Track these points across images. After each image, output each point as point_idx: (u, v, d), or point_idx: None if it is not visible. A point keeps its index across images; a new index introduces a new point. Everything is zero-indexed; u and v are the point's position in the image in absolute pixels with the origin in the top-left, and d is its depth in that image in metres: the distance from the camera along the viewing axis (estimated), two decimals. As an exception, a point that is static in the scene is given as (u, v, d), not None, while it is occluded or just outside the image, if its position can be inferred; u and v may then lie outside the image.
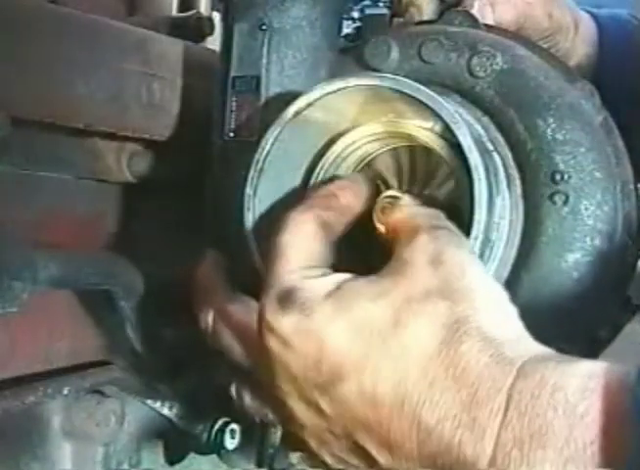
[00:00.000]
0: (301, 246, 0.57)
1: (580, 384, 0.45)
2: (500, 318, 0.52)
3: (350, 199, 0.62)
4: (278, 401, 0.56)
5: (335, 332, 0.52)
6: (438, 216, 0.58)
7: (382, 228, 0.61)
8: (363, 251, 0.63)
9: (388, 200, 0.62)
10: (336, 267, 0.57)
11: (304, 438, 0.56)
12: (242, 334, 0.61)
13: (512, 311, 0.53)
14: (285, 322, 0.53)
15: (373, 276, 0.54)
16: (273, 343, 0.54)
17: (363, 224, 0.62)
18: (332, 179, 0.66)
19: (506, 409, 0.46)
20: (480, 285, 0.53)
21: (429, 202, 0.65)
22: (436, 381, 0.48)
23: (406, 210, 0.59)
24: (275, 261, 0.56)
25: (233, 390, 0.65)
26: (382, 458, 0.51)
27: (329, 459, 0.56)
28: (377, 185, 0.69)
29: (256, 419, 0.66)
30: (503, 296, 0.54)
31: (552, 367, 0.47)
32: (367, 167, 0.70)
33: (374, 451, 0.51)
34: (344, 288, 0.53)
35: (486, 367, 0.48)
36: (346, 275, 0.55)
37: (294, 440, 0.58)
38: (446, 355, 0.49)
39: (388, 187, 0.68)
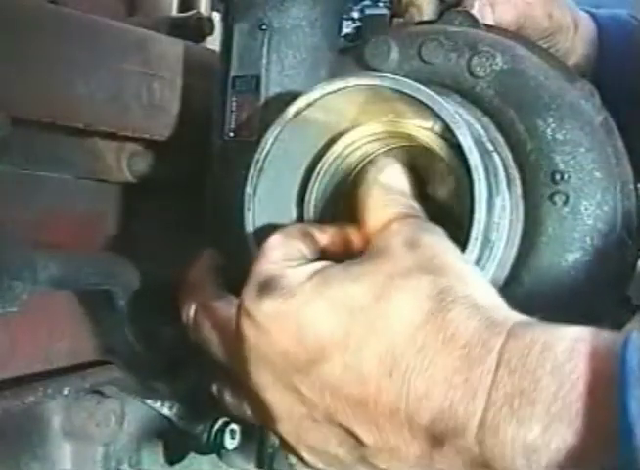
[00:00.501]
0: (283, 244, 0.57)
1: (569, 345, 0.46)
2: (484, 289, 0.52)
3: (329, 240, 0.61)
4: (255, 394, 0.56)
5: (314, 313, 0.51)
6: (412, 206, 0.59)
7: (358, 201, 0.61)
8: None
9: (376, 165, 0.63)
10: None
11: (282, 434, 0.56)
12: (221, 328, 0.61)
13: (493, 289, 0.53)
14: (263, 307, 0.53)
15: (352, 261, 0.54)
16: (250, 330, 0.54)
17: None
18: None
19: (497, 368, 0.46)
20: (460, 263, 0.53)
21: (428, 202, 0.65)
22: (425, 346, 0.48)
23: (383, 196, 0.59)
24: (258, 259, 0.57)
25: (214, 388, 0.65)
26: (368, 437, 0.51)
27: (307, 455, 0.56)
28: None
29: (235, 415, 0.66)
30: (483, 277, 0.54)
31: (541, 329, 0.48)
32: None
33: (359, 431, 0.51)
34: (324, 272, 0.53)
35: (476, 331, 0.48)
36: (326, 263, 0.55)
37: (275, 433, 0.57)
38: (434, 323, 0.49)
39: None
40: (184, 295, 0.66)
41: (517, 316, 0.50)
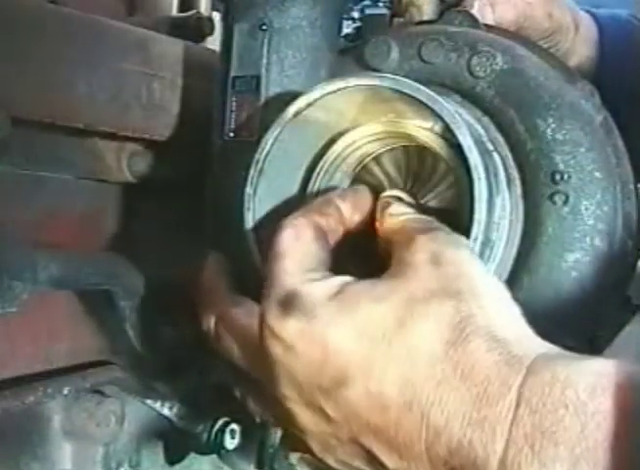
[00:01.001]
0: (299, 249, 0.56)
1: (591, 382, 0.45)
2: (505, 317, 0.51)
3: (349, 207, 0.62)
4: (281, 407, 0.56)
5: (339, 335, 0.51)
6: (431, 220, 0.59)
7: (380, 233, 0.61)
8: (367, 260, 0.63)
9: (388, 199, 0.62)
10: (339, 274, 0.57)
11: (308, 442, 0.56)
12: (243, 339, 0.61)
13: (515, 309, 0.53)
14: (288, 327, 0.53)
15: (375, 279, 0.54)
16: (276, 348, 0.53)
17: (366, 234, 0.62)
18: (333, 188, 0.66)
19: (517, 407, 0.46)
20: (483, 284, 0.52)
21: (428, 202, 0.65)
22: (445, 381, 0.48)
23: (400, 217, 0.59)
24: (273, 266, 0.56)
25: (237, 393, 0.65)
26: (390, 462, 0.51)
27: (333, 463, 0.56)
28: (378, 185, 0.69)
29: (260, 420, 0.66)
30: (506, 294, 0.53)
31: (562, 365, 0.46)
32: (367, 169, 0.70)
33: (381, 455, 0.51)
34: (347, 290, 0.53)
35: (495, 365, 0.47)
36: (348, 278, 0.55)
37: (297, 443, 0.57)
38: (454, 355, 0.48)
39: (389, 187, 0.68)
40: (201, 304, 0.66)
41: (538, 347, 0.49)
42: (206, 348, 0.65)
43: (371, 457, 0.52)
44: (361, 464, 0.54)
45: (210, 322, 0.64)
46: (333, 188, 0.67)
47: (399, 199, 0.64)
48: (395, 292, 0.52)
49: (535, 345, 0.50)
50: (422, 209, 0.65)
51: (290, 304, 0.53)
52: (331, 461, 0.56)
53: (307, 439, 0.56)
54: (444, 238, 0.55)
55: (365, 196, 0.64)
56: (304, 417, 0.54)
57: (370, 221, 0.63)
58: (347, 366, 0.51)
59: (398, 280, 0.52)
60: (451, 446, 0.47)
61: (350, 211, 0.62)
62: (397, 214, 0.60)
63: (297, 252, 0.56)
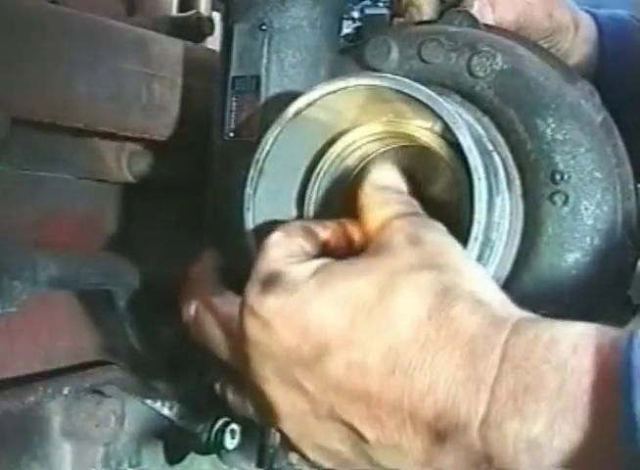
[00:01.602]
0: (284, 241, 0.57)
1: (573, 341, 0.46)
2: (487, 286, 0.52)
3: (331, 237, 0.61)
4: (258, 391, 0.56)
5: (319, 308, 0.51)
6: (410, 202, 0.58)
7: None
8: None
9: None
10: None
11: (285, 432, 0.56)
12: (223, 325, 0.61)
13: (496, 286, 0.53)
14: (267, 303, 0.53)
15: (354, 258, 0.54)
16: (254, 326, 0.53)
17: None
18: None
19: (500, 364, 0.46)
20: (462, 261, 0.53)
21: (428, 202, 0.65)
22: (428, 343, 0.48)
23: (378, 196, 0.59)
24: (259, 256, 0.56)
25: (217, 386, 0.65)
26: (371, 433, 0.50)
27: (310, 452, 0.55)
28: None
29: (239, 412, 0.66)
30: (486, 274, 0.54)
31: (545, 325, 0.47)
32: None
33: (362, 427, 0.51)
34: (328, 267, 0.53)
35: (479, 326, 0.48)
36: (329, 259, 0.55)
37: (279, 433, 0.57)
38: (437, 319, 0.49)
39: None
40: (185, 293, 0.66)
41: (521, 312, 0.50)
42: (188, 339, 0.65)
43: (351, 432, 0.51)
44: (339, 444, 0.53)
45: (191, 310, 0.64)
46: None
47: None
48: (376, 267, 0.52)
49: (518, 310, 0.50)
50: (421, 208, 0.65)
51: (271, 282, 0.53)
52: (309, 450, 0.55)
53: (283, 426, 0.55)
54: (421, 222, 0.56)
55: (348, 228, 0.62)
56: (281, 398, 0.54)
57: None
58: (328, 338, 0.51)
59: (378, 257, 0.53)
60: (435, 408, 0.47)
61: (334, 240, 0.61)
62: (374, 196, 0.59)
63: (285, 244, 0.57)
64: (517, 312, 0.50)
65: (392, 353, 0.49)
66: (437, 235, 0.55)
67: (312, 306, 0.51)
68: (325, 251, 0.60)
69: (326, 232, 0.61)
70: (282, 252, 0.56)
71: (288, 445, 0.57)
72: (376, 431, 0.50)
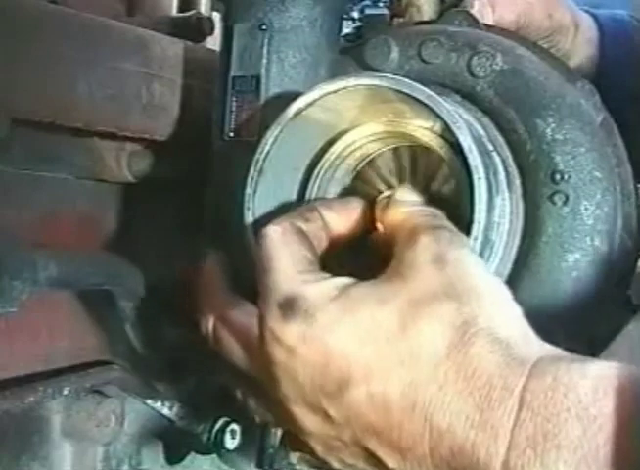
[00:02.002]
0: (285, 252, 0.56)
1: (592, 385, 0.45)
2: (507, 318, 0.51)
3: (334, 216, 0.62)
4: (283, 408, 0.56)
5: (341, 338, 0.51)
6: (437, 215, 0.58)
7: (381, 228, 0.61)
8: (357, 269, 0.62)
9: (387, 200, 0.62)
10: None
11: (311, 444, 0.56)
12: (243, 341, 0.61)
13: (517, 309, 0.53)
14: (289, 330, 0.53)
15: (376, 280, 0.53)
16: (278, 351, 0.53)
17: (356, 244, 0.62)
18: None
19: (519, 410, 0.46)
20: (485, 285, 0.52)
21: (429, 202, 0.65)
22: (447, 383, 0.48)
23: (404, 208, 0.59)
24: (266, 271, 0.56)
25: (238, 394, 0.65)
26: (393, 464, 0.51)
27: (336, 464, 0.56)
28: (378, 185, 0.69)
29: (260, 421, 0.66)
30: (508, 295, 0.53)
31: (564, 368, 0.47)
32: (367, 170, 0.70)
33: (385, 457, 0.51)
34: (348, 293, 0.53)
35: (498, 368, 0.47)
36: (348, 279, 0.54)
37: (299, 443, 0.58)
38: (456, 357, 0.49)
39: (389, 187, 0.68)
40: (200, 306, 0.66)
41: (539, 349, 0.49)
42: (207, 349, 0.65)
43: (374, 459, 0.52)
44: (364, 464, 0.54)
45: (209, 324, 0.64)
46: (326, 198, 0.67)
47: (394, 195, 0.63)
48: (397, 294, 0.51)
49: (537, 346, 0.50)
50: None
51: (290, 307, 0.53)
52: (334, 462, 0.56)
53: (310, 440, 0.56)
54: (448, 239, 0.54)
55: (353, 206, 0.64)
56: (307, 419, 0.54)
57: (360, 232, 0.62)
58: (350, 369, 0.51)
59: (400, 282, 0.52)
60: (454, 448, 0.47)
61: (335, 219, 0.62)
62: (402, 206, 0.59)
63: (287, 253, 0.56)
64: (536, 350, 0.49)
65: (413, 390, 0.49)
66: (461, 254, 0.54)
67: (334, 336, 0.51)
68: (332, 234, 0.61)
69: (332, 214, 0.61)
70: (288, 262, 0.55)
71: (314, 456, 0.57)
72: (397, 461, 0.51)
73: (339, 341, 0.51)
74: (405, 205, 0.60)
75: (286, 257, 0.56)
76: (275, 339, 0.53)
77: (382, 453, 0.51)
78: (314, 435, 0.55)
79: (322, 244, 0.61)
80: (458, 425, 0.47)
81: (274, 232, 0.57)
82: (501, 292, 0.53)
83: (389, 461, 0.51)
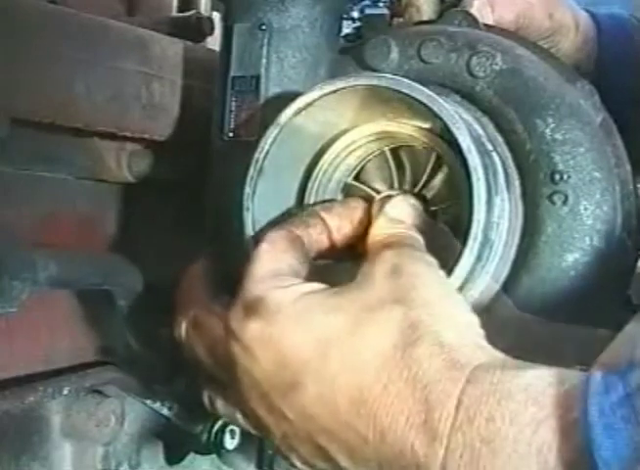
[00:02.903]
0: (270, 258, 0.58)
1: (527, 392, 0.46)
2: (455, 325, 0.52)
3: (335, 219, 0.63)
4: (246, 408, 0.58)
5: (295, 340, 0.53)
6: (414, 240, 0.59)
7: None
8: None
9: (381, 202, 0.62)
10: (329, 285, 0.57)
11: (275, 442, 0.58)
12: (210, 342, 0.61)
13: (472, 320, 0.54)
14: (247, 330, 0.54)
15: (337, 288, 0.55)
16: (237, 350, 0.55)
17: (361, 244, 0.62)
18: (324, 202, 0.67)
19: (456, 414, 0.47)
20: (437, 293, 0.54)
21: (427, 202, 0.65)
22: (390, 384, 0.49)
23: (385, 230, 0.60)
24: (244, 274, 0.58)
25: (205, 397, 0.66)
26: (344, 462, 0.52)
27: (299, 464, 0.57)
28: (377, 186, 0.69)
29: (227, 422, 0.67)
30: (463, 306, 0.55)
31: (501, 373, 0.47)
32: (366, 170, 0.70)
33: (337, 455, 0.53)
34: (308, 298, 0.54)
35: (438, 372, 0.48)
36: (313, 285, 0.56)
37: (270, 443, 0.59)
38: (400, 359, 0.50)
39: (389, 187, 0.68)
40: (175, 310, 0.67)
41: (482, 355, 0.50)
42: (178, 352, 0.66)
43: (329, 457, 0.53)
44: (321, 464, 0.55)
45: (182, 327, 0.65)
46: (328, 200, 0.67)
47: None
48: (351, 301, 0.53)
49: (480, 353, 0.50)
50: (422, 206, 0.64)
51: (253, 308, 0.55)
52: (298, 462, 0.57)
53: (274, 439, 0.57)
54: (409, 253, 0.56)
55: (354, 206, 0.64)
56: (266, 418, 0.56)
57: (362, 232, 0.63)
58: (301, 371, 0.52)
59: (356, 291, 0.54)
60: (395, 449, 0.48)
61: (337, 221, 0.63)
62: (385, 227, 0.60)
63: (269, 260, 0.58)
64: (477, 356, 0.50)
65: (358, 391, 0.50)
66: (420, 267, 0.55)
67: (288, 337, 0.53)
68: (332, 236, 0.62)
69: (332, 216, 0.62)
70: (268, 272, 0.57)
71: (278, 453, 0.59)
72: (348, 460, 0.52)
73: (292, 343, 0.53)
74: (388, 225, 0.60)
75: (266, 263, 0.58)
76: (234, 337, 0.55)
77: (333, 452, 0.53)
78: (275, 433, 0.56)
79: (324, 247, 0.62)
80: (399, 426, 0.48)
81: (266, 240, 0.59)
82: (455, 303, 0.54)
83: (341, 460, 0.52)
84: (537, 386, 0.46)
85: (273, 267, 0.57)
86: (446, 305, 0.53)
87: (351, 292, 0.54)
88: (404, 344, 0.50)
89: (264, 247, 0.58)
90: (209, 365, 0.62)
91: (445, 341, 0.50)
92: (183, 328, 0.65)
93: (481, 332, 0.53)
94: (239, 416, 0.62)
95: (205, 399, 0.66)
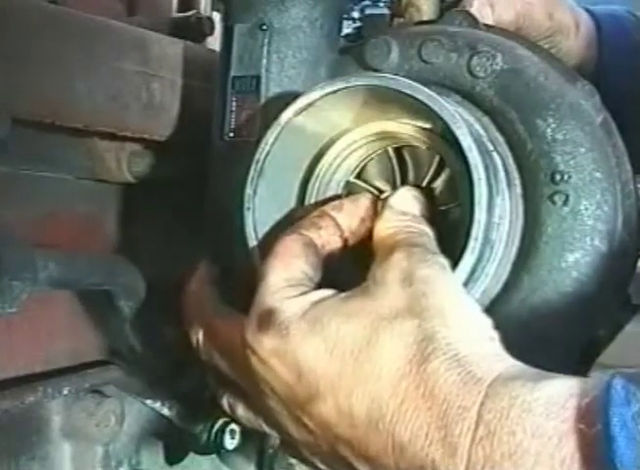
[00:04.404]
0: (283, 266, 0.58)
1: (548, 404, 0.46)
2: (472, 334, 0.52)
3: (345, 217, 0.63)
4: (269, 416, 0.59)
5: (309, 352, 0.53)
6: (423, 233, 0.59)
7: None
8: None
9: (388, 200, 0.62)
10: (342, 285, 0.57)
11: (298, 447, 0.58)
12: (229, 352, 0.62)
13: (486, 327, 0.53)
14: (263, 344, 0.55)
15: (348, 293, 0.55)
16: (255, 363, 0.56)
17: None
18: (331, 199, 0.67)
19: (476, 428, 0.47)
20: (451, 302, 0.53)
21: (429, 202, 0.65)
22: (407, 398, 0.49)
23: (391, 223, 0.60)
24: (259, 283, 0.58)
25: (225, 402, 0.66)
26: (364, 469, 0.52)
27: (322, 466, 0.58)
28: (378, 186, 0.69)
29: (249, 427, 0.67)
30: (477, 311, 0.54)
31: (520, 386, 0.47)
32: (367, 170, 0.70)
33: (357, 464, 0.53)
34: (318, 307, 0.54)
35: (455, 386, 0.48)
36: (323, 293, 0.56)
37: (289, 446, 0.60)
38: (416, 374, 0.50)
39: (389, 187, 0.68)
40: (188, 316, 0.67)
41: (499, 367, 0.50)
42: (197, 359, 0.66)
43: (350, 465, 0.54)
44: (345, 468, 0.55)
45: (199, 335, 0.65)
46: (333, 198, 0.67)
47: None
48: (364, 310, 0.53)
49: (499, 363, 0.50)
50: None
51: (267, 320, 0.55)
52: (320, 465, 0.58)
53: (297, 445, 0.58)
54: (420, 256, 0.56)
55: (363, 203, 0.64)
56: (289, 426, 0.57)
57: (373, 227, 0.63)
58: (318, 383, 0.53)
59: (368, 299, 0.54)
60: (416, 463, 0.48)
61: (347, 220, 0.63)
62: (390, 220, 0.60)
63: (280, 268, 0.58)
64: (494, 368, 0.49)
65: (376, 406, 0.50)
66: (431, 271, 0.55)
67: (303, 350, 0.53)
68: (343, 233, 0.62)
69: (342, 214, 0.62)
70: (281, 278, 0.57)
71: (301, 460, 0.60)
72: (369, 468, 0.52)
73: (307, 355, 0.53)
74: (394, 218, 0.60)
75: (279, 270, 0.58)
76: (251, 349, 0.56)
77: (354, 461, 0.53)
78: (298, 440, 0.57)
79: (337, 247, 0.62)
80: (418, 441, 0.48)
81: (279, 245, 0.59)
82: (469, 311, 0.54)
83: (361, 468, 0.53)
84: (558, 398, 0.46)
85: (286, 276, 0.57)
86: (459, 313, 0.53)
87: (363, 300, 0.54)
88: (419, 358, 0.50)
89: (277, 252, 0.58)
90: (229, 373, 0.62)
91: (460, 353, 0.50)
92: (200, 335, 0.65)
93: (495, 335, 0.53)
94: (262, 423, 0.62)
95: (225, 405, 0.66)
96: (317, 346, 0.53)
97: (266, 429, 0.63)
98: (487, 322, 0.54)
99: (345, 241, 0.62)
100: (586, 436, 0.44)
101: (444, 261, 0.56)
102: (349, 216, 0.63)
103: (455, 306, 0.53)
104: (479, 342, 0.52)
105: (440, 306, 0.52)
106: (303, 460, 0.60)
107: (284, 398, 0.55)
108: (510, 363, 0.50)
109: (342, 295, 0.55)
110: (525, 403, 0.46)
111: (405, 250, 0.56)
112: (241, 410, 0.64)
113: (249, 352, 0.56)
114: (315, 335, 0.53)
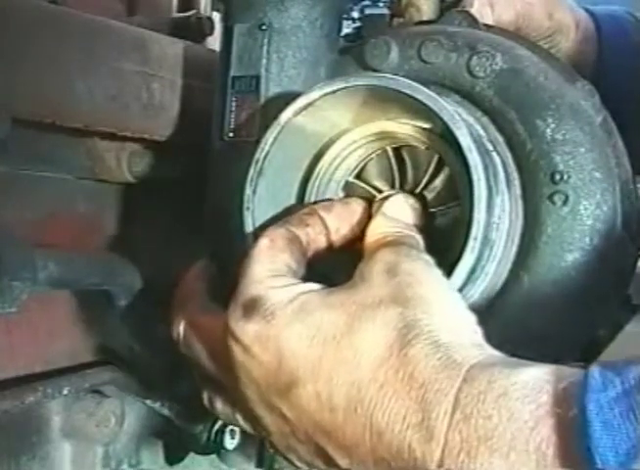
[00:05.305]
0: (268, 258, 0.58)
1: (525, 389, 0.46)
2: (454, 323, 0.52)
3: (334, 219, 0.63)
4: (245, 408, 0.58)
5: (292, 339, 0.53)
6: (412, 239, 0.59)
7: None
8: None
9: (380, 203, 0.63)
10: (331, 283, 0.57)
11: (274, 442, 0.58)
12: (210, 343, 0.62)
13: (469, 318, 0.54)
14: (247, 330, 0.55)
15: (334, 288, 0.55)
16: (236, 350, 0.55)
17: (359, 244, 0.62)
18: (331, 199, 0.67)
19: (453, 413, 0.47)
20: (434, 293, 0.54)
21: (427, 202, 0.65)
22: (386, 384, 0.49)
23: (382, 229, 0.60)
24: (243, 273, 0.58)
25: (205, 397, 0.66)
26: (342, 462, 0.53)
27: (298, 463, 0.58)
28: (377, 186, 0.69)
29: (226, 422, 0.67)
30: (460, 304, 0.55)
31: (498, 372, 0.47)
32: (367, 170, 0.70)
33: (334, 454, 0.53)
34: (305, 297, 0.55)
35: (434, 370, 0.49)
36: (311, 285, 0.56)
37: (273, 445, 0.59)
38: (396, 359, 0.50)
39: (388, 187, 0.68)
40: (173, 310, 0.67)
41: (478, 354, 0.50)
42: (177, 353, 0.66)
43: (327, 457, 0.54)
44: (320, 463, 0.55)
45: (180, 328, 0.65)
46: (328, 199, 0.68)
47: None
48: (348, 300, 0.53)
49: (477, 352, 0.50)
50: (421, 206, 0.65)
51: (252, 308, 0.55)
52: (296, 461, 0.58)
53: (272, 439, 0.58)
54: (405, 251, 0.56)
55: (353, 207, 0.65)
56: (265, 417, 0.56)
57: (361, 233, 0.63)
58: (299, 369, 0.53)
59: (352, 289, 0.54)
60: (392, 448, 0.49)
61: (336, 222, 0.63)
62: (382, 226, 0.60)
63: (267, 259, 0.58)
64: (474, 355, 0.50)
65: (355, 390, 0.50)
66: (417, 265, 0.55)
67: (286, 336, 0.53)
68: (332, 236, 0.62)
69: (331, 216, 0.62)
70: (265, 269, 0.57)
71: (277, 453, 0.59)
72: (344, 459, 0.52)
73: (290, 341, 0.53)
74: (385, 224, 0.61)
75: (263, 262, 0.58)
76: (234, 337, 0.55)
77: (331, 451, 0.53)
78: (274, 433, 0.57)
79: (321, 247, 0.62)
80: (396, 425, 0.48)
81: (263, 239, 0.59)
82: (454, 303, 0.54)
83: (338, 459, 0.53)
84: (535, 383, 0.46)
85: (271, 267, 0.58)
86: (443, 304, 0.53)
87: (348, 291, 0.54)
88: (400, 343, 0.50)
89: (262, 245, 0.59)
90: (208, 365, 0.62)
91: (441, 340, 0.50)
92: (181, 328, 0.65)
93: (478, 330, 0.53)
94: (238, 417, 0.62)
95: (205, 399, 0.66)
96: (300, 332, 0.53)
97: (242, 423, 0.62)
98: (472, 317, 0.54)
99: (331, 243, 0.63)
100: (562, 420, 0.44)
101: (429, 259, 0.57)
102: (338, 219, 0.63)
103: (440, 298, 0.54)
104: (461, 331, 0.52)
105: (425, 296, 0.53)
106: (281, 456, 0.59)
107: (263, 386, 0.55)
108: (490, 351, 0.51)
109: (329, 288, 0.56)
110: (501, 388, 0.46)
111: (392, 246, 0.57)
112: (219, 405, 0.65)
113: (231, 342, 0.56)
114: (299, 322, 0.53)
